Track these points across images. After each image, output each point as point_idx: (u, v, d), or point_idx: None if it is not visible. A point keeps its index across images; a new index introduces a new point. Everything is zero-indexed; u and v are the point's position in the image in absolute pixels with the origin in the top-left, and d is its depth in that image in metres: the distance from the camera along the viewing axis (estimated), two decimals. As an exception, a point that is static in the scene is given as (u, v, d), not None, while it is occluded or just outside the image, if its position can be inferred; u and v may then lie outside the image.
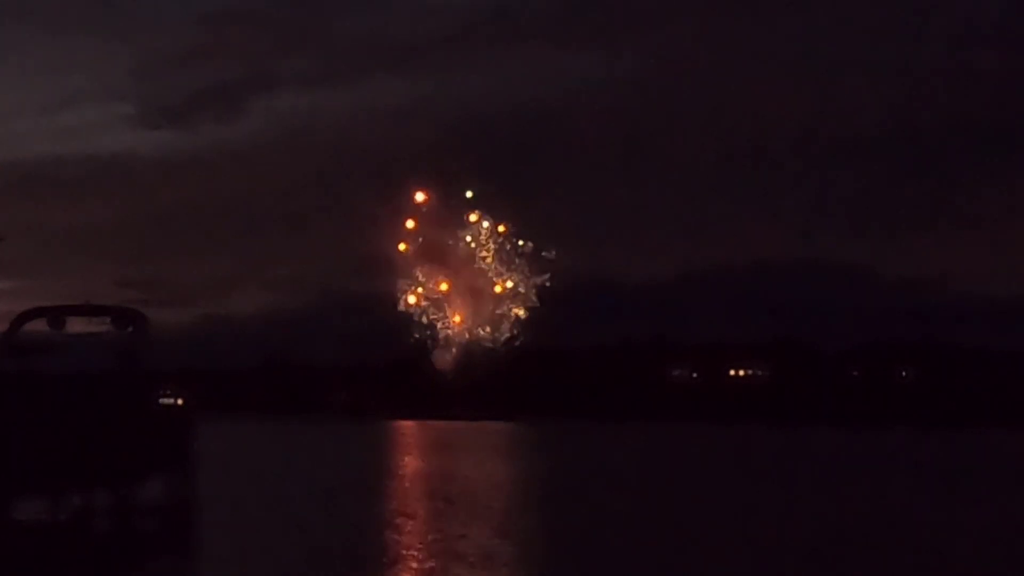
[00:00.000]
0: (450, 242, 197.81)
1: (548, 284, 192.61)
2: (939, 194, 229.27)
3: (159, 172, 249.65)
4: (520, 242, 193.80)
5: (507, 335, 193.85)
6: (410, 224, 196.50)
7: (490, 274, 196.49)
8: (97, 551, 36.02)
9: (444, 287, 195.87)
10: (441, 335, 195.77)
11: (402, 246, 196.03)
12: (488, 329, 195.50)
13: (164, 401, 54.09)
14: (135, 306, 48.08)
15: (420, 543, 35.91)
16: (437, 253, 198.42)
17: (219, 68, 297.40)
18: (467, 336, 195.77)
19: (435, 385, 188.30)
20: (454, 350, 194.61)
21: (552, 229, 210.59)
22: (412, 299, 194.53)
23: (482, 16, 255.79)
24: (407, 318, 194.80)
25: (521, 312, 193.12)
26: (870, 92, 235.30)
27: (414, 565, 31.87)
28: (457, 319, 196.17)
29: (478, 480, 61.51)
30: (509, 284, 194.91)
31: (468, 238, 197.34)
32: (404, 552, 34.02)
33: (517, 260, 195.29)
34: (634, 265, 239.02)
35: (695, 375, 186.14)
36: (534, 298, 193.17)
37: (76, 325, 45.75)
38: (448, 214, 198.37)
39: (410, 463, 77.44)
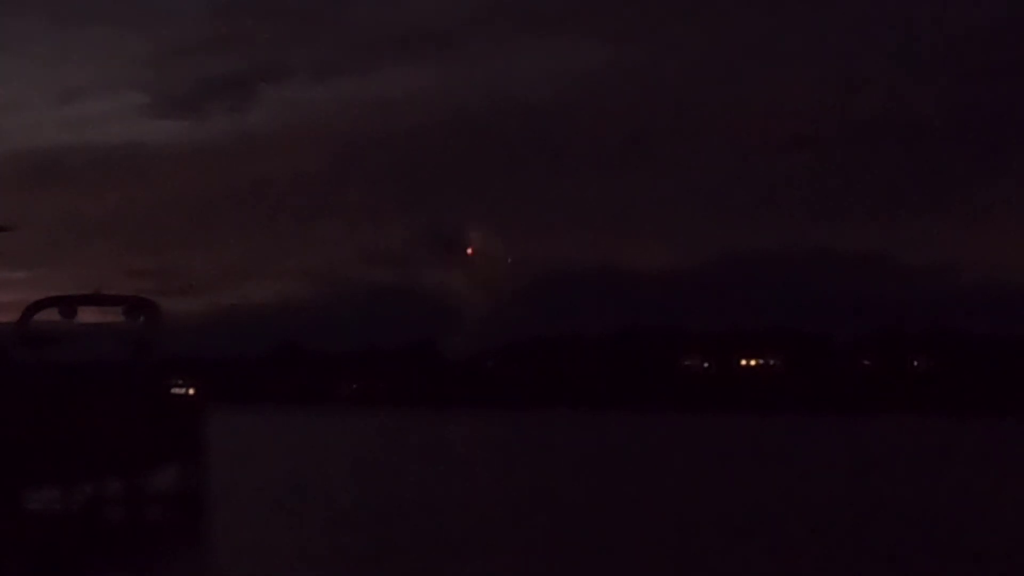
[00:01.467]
0: (461, 233, 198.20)
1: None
2: (951, 183, 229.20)
3: (171, 161, 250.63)
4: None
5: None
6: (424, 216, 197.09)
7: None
8: (109, 540, 36.14)
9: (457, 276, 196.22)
10: (453, 324, 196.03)
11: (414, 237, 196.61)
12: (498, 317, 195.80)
13: (175, 390, 54.19)
14: (147, 296, 48.12)
15: (413, 538, 36.02)
16: (446, 244, 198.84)
17: (231, 58, 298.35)
18: (478, 324, 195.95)
19: (446, 374, 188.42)
20: (465, 339, 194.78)
21: (565, 217, 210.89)
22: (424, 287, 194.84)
23: (494, 7, 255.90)
24: (419, 307, 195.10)
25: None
26: (882, 82, 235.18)
27: (408, 558, 31.95)
28: (469, 308, 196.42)
29: (478, 475, 61.58)
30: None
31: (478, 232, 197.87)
32: (400, 546, 34.08)
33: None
34: (646, 255, 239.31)
35: (707, 365, 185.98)
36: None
37: (88, 315, 45.82)
38: (461, 205, 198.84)
39: (409, 461, 77.55)
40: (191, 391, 58.89)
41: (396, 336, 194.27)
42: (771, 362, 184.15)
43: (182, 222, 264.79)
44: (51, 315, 44.78)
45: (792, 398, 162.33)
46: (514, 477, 57.48)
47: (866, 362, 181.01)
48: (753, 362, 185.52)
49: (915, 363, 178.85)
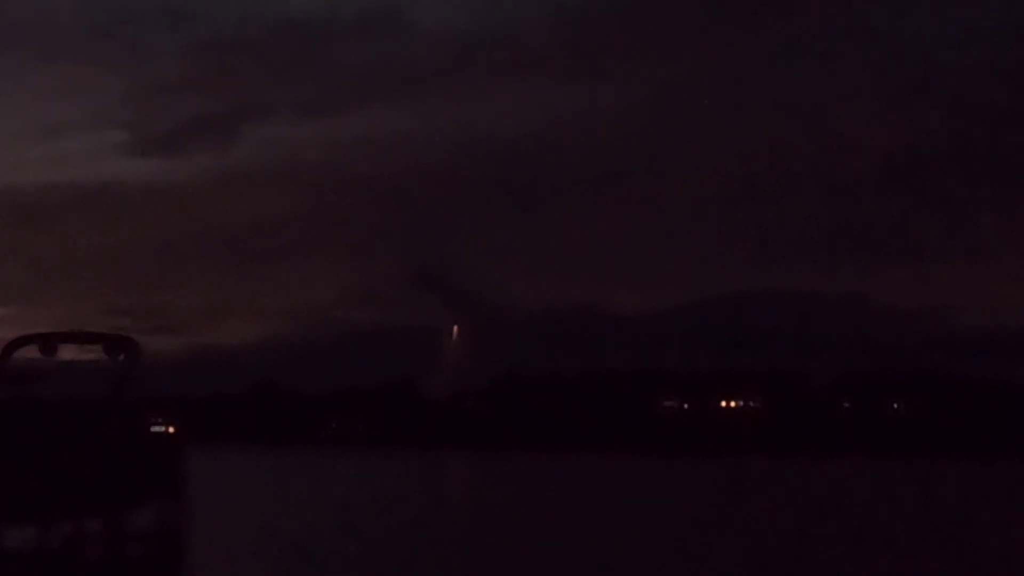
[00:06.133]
0: (440, 273, 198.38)
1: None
2: (930, 226, 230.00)
3: (151, 200, 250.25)
4: None
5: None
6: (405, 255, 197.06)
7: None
8: (87, 579, 35.92)
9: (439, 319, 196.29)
10: (433, 365, 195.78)
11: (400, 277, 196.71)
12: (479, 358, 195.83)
13: (155, 429, 53.89)
14: (127, 333, 47.92)
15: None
16: (425, 284, 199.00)
17: (212, 97, 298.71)
18: (458, 365, 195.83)
19: (425, 415, 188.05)
20: (444, 380, 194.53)
21: (544, 259, 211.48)
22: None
23: (474, 48, 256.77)
24: (398, 347, 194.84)
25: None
26: (862, 124, 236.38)
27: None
28: (450, 349, 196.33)
29: (445, 515, 61.39)
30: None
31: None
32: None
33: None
34: (625, 296, 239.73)
35: (685, 406, 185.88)
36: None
37: (68, 352, 45.50)
38: (442, 247, 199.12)
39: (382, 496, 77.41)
40: (171, 429, 58.67)
41: (375, 376, 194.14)
42: (750, 403, 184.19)
43: (162, 260, 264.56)
44: (31, 352, 44.56)
45: (771, 439, 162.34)
46: (485, 522, 57.29)
47: (845, 404, 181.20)
48: (732, 403, 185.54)
49: (894, 405, 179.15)
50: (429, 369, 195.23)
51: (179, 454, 46.02)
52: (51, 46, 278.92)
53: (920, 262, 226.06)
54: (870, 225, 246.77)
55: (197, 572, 36.57)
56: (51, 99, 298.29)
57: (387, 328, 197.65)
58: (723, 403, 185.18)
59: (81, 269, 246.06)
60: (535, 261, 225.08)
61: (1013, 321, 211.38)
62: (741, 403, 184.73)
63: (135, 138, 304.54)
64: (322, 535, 46.84)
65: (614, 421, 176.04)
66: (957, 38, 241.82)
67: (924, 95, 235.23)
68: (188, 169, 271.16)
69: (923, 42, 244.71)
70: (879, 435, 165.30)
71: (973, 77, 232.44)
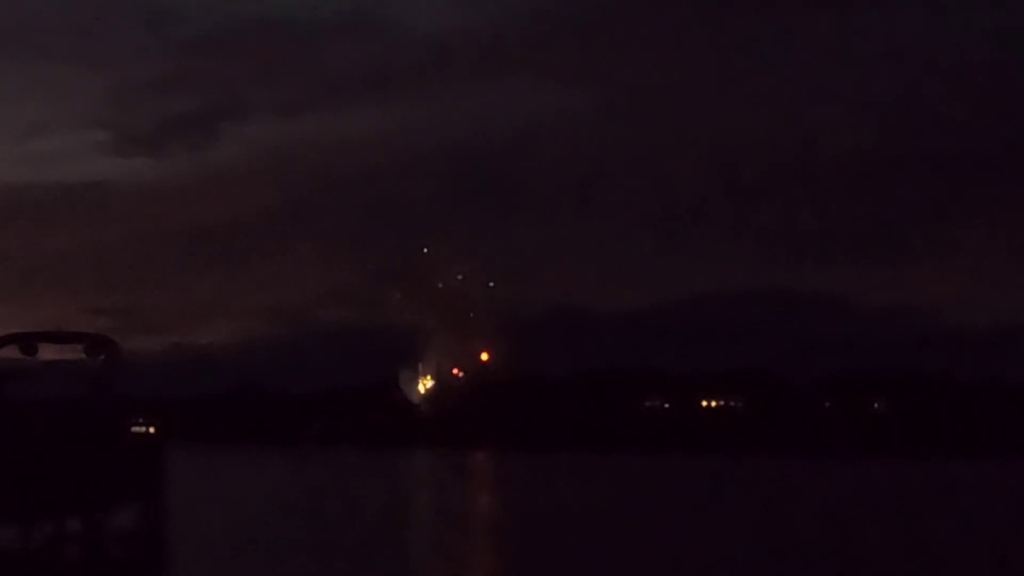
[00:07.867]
0: (423, 273, 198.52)
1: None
2: (911, 224, 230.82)
3: (132, 199, 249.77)
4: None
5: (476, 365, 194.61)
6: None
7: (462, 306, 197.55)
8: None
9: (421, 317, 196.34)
10: (414, 365, 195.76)
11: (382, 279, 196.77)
12: (461, 358, 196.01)
13: (135, 429, 53.90)
14: (108, 333, 47.93)
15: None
16: (408, 284, 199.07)
17: (193, 96, 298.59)
18: (440, 366, 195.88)
19: (408, 415, 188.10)
20: (427, 379, 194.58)
21: (524, 259, 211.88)
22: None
23: (458, 47, 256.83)
24: (382, 346, 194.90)
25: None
26: (842, 121, 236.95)
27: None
28: (432, 350, 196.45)
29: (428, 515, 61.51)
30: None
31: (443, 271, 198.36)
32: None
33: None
34: (606, 295, 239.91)
35: (667, 406, 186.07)
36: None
37: (48, 352, 45.61)
38: (422, 247, 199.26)
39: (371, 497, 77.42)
40: (151, 429, 58.71)
41: (359, 376, 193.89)
42: (732, 403, 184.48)
43: (143, 260, 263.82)
44: (11, 352, 44.59)
45: (753, 439, 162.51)
46: (466, 522, 57.33)
47: (827, 403, 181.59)
48: (714, 403, 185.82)
49: (875, 405, 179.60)
50: (410, 369, 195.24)
51: (160, 454, 46.10)
52: (31, 45, 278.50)
53: (901, 261, 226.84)
54: (851, 224, 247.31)
55: (178, 572, 36.59)
56: (31, 98, 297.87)
57: (369, 328, 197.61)
58: (704, 403, 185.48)
59: (61, 269, 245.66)
60: (515, 261, 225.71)
61: (994, 320, 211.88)
62: (722, 402, 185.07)
63: (116, 137, 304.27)
64: (304, 535, 46.85)
65: (595, 421, 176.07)
66: (944, 36, 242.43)
67: (906, 94, 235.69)
68: (169, 168, 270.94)
69: (908, 41, 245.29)
70: (860, 434, 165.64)
71: (958, 76, 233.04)
